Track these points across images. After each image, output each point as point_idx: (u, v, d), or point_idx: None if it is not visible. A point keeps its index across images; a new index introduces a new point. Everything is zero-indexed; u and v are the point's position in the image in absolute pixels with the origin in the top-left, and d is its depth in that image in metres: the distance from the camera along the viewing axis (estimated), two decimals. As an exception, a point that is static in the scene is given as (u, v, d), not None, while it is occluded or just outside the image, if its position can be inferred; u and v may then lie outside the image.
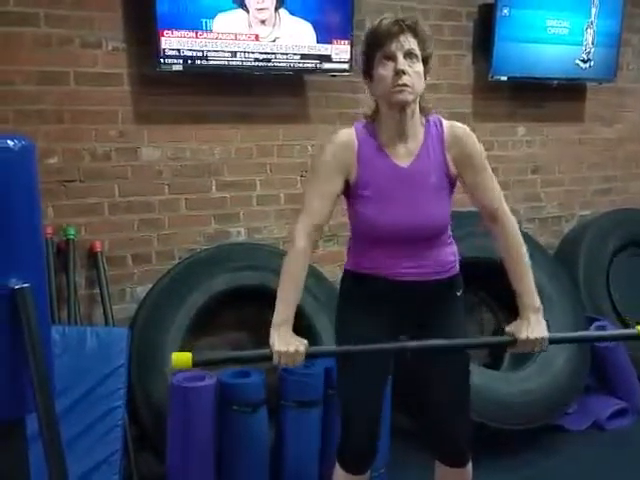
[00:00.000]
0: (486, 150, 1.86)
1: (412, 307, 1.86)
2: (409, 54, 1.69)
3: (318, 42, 2.91)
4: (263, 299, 2.96)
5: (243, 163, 2.99)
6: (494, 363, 3.20)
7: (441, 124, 1.82)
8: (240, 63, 2.78)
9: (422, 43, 1.72)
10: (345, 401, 1.95)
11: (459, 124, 1.83)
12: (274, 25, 2.80)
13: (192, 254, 2.89)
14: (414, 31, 1.71)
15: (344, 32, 2.95)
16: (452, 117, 1.90)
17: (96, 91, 2.68)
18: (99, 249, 2.70)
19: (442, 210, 1.81)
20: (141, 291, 2.80)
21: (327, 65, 2.96)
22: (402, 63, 1.68)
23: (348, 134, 1.80)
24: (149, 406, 2.59)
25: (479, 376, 2.81)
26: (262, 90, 2.97)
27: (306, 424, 2.53)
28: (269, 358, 1.69)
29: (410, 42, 1.70)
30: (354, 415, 1.92)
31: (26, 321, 1.44)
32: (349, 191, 1.82)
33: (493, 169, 1.86)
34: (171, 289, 2.74)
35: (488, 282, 3.16)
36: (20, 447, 1.58)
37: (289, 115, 3.07)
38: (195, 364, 1.65)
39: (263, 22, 2.79)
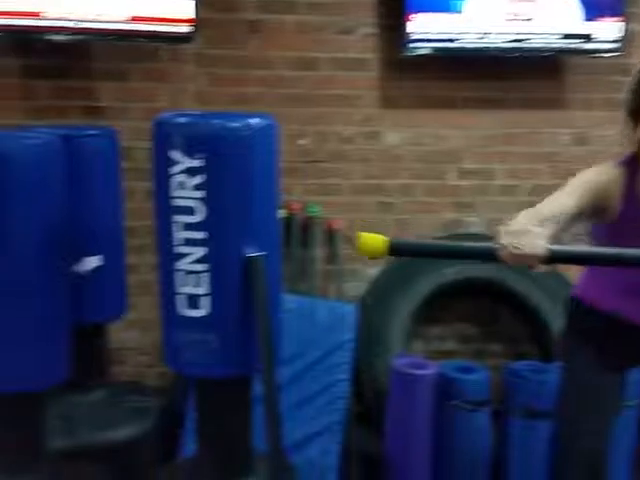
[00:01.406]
0: None
1: None
2: None
3: (584, 19, 2.64)
4: (494, 294, 2.85)
5: (486, 150, 2.87)
6: None
7: None
8: (491, 45, 2.65)
9: None
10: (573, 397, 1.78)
11: None
12: (531, 2, 2.61)
13: (425, 240, 2.86)
14: None
15: (615, 8, 2.64)
16: None
17: (346, 76, 2.78)
18: (337, 228, 2.82)
19: None
20: (372, 272, 2.86)
21: (591, 45, 2.68)
22: None
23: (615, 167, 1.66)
24: (372, 384, 2.65)
25: None
26: (514, 73, 2.80)
27: (535, 438, 2.34)
28: (492, 255, 1.27)
29: None
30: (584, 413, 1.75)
31: (257, 288, 1.55)
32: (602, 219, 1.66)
33: None
34: (400, 274, 2.76)
35: None
36: (245, 404, 1.72)
37: (542, 100, 2.86)
38: (392, 251, 1.32)
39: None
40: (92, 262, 2.14)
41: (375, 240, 1.28)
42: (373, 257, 1.30)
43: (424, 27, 2.61)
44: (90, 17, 2.34)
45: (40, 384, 1.70)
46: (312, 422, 2.40)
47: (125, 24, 2.38)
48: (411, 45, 2.63)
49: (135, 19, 2.38)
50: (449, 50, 2.66)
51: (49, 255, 1.67)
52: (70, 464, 1.96)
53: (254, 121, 1.53)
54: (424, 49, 2.64)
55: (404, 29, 2.61)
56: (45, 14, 2.30)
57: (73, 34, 2.36)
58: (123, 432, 2.16)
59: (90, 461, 2.02)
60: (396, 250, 1.31)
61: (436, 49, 2.64)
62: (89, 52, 2.65)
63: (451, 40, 2.64)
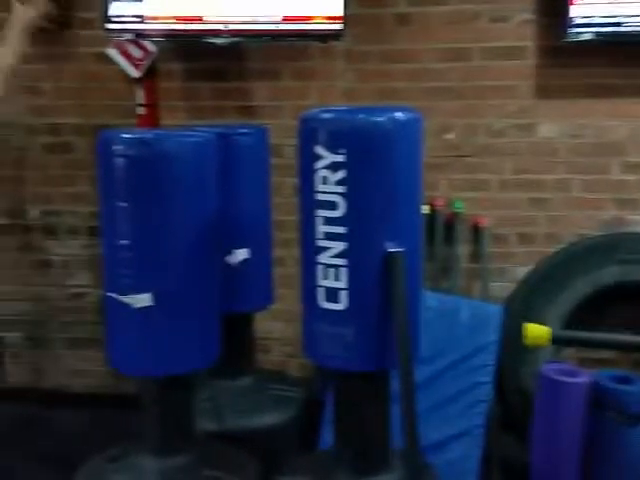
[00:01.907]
0: None
1: None
2: None
3: None
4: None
5: (654, 142, 2.62)
6: None
7: None
8: (663, 27, 2.40)
9: None
10: None
11: None
12: None
13: (581, 239, 2.67)
14: None
15: None
16: None
17: (499, 66, 2.67)
18: (484, 224, 2.72)
19: None
20: (521, 271, 2.72)
21: None
22: None
23: None
24: (517, 389, 2.53)
25: None
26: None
27: None
28: None
29: None
30: None
31: (396, 283, 1.54)
32: None
33: None
34: (552, 274, 2.60)
35: None
36: (383, 400, 1.72)
37: None
38: (554, 340, 1.47)
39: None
40: (241, 254, 2.25)
41: (539, 330, 1.50)
42: (536, 345, 1.52)
43: (586, 11, 2.43)
44: (246, 20, 2.46)
45: (193, 367, 1.81)
46: (452, 424, 2.34)
47: (277, 25, 2.46)
48: (574, 30, 2.46)
49: (287, 19, 2.46)
50: (612, 35, 2.46)
51: (205, 246, 1.78)
52: (217, 446, 2.08)
53: (398, 115, 1.52)
54: (587, 34, 2.46)
55: (567, 13, 2.45)
56: (207, 18, 2.45)
57: (231, 36, 2.49)
58: (267, 419, 2.25)
59: (235, 444, 2.13)
60: (558, 340, 1.53)
61: (600, 34, 2.45)
62: (244, 54, 2.78)
63: (617, 24, 2.43)
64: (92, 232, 3.04)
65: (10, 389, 3.16)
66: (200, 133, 1.82)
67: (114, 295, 1.72)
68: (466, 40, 2.66)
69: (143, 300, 1.69)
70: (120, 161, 1.66)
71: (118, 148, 1.65)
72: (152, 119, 2.81)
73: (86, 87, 2.94)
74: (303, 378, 2.79)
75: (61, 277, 3.12)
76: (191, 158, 1.71)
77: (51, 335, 3.17)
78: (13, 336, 3.16)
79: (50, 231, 3.08)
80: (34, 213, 3.06)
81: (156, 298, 1.70)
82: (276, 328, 2.92)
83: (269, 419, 2.27)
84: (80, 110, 2.97)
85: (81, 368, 3.20)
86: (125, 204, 1.68)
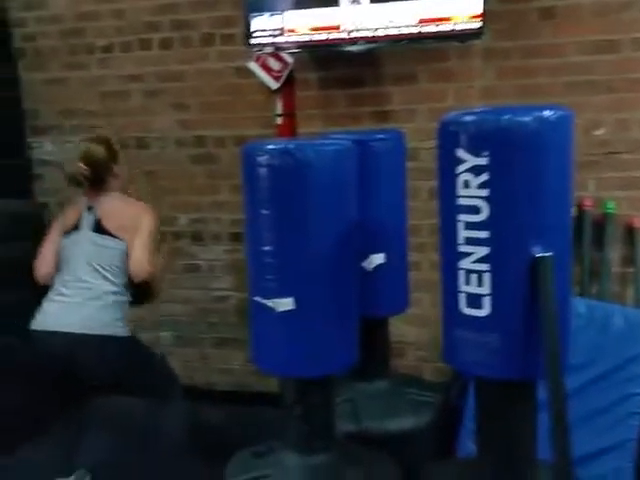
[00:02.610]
0: None
1: None
2: None
3: None
4: None
5: None
6: None
7: None
8: None
9: None
10: None
11: None
12: None
13: None
14: None
15: None
16: None
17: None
18: (638, 226, 2.53)
19: None
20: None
21: None
22: None
23: None
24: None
25: None
26: None
27: None
28: None
29: None
30: None
31: (544, 289, 1.47)
32: None
33: None
34: None
35: None
36: (529, 409, 1.64)
37: None
38: None
39: None
40: (377, 259, 2.26)
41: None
42: None
43: None
44: (381, 25, 2.47)
45: (336, 368, 1.85)
46: (603, 436, 2.20)
47: (414, 28, 2.45)
48: None
49: (424, 21, 2.43)
50: None
51: (344, 252, 1.80)
52: (357, 447, 2.10)
53: (546, 113, 1.45)
54: None
55: None
56: (343, 27, 2.49)
57: (367, 43, 2.51)
58: (404, 423, 2.24)
59: (372, 447, 2.14)
60: None
61: None
62: (379, 59, 2.80)
63: None
64: (234, 238, 3.21)
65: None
66: (339, 141, 1.85)
67: (258, 299, 1.80)
68: (616, 31, 2.50)
69: (285, 304, 1.75)
70: (264, 171, 1.72)
71: (262, 158, 1.72)
72: (290, 128, 2.91)
73: (228, 100, 3.10)
74: (439, 383, 2.75)
75: (207, 281, 3.31)
76: (332, 166, 1.75)
77: (199, 335, 3.38)
78: (166, 335, 3.39)
79: (197, 237, 3.28)
80: (183, 220, 3.27)
81: (298, 302, 1.75)
82: (410, 332, 2.90)
83: (406, 423, 2.25)
84: (222, 122, 3.14)
85: (225, 367, 3.37)
86: (268, 212, 1.75)
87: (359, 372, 2.20)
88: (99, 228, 2.33)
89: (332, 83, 2.89)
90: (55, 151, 3.36)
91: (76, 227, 2.37)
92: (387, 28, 2.48)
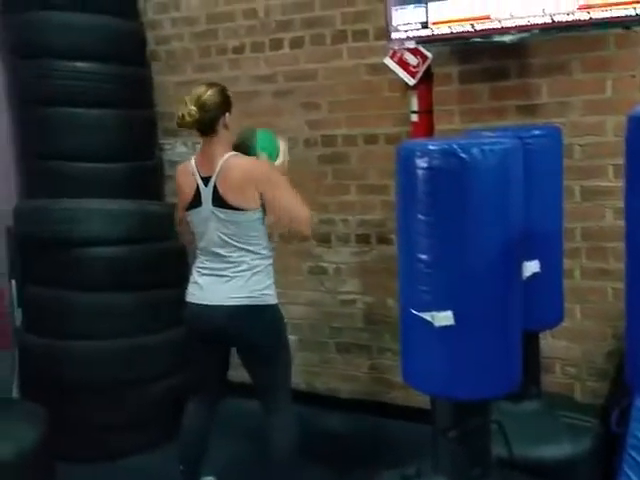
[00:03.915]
0: None
1: None
2: None
3: None
4: None
5: None
6: None
7: None
8: None
9: None
10: None
11: None
12: None
13: None
14: None
15: None
16: None
17: None
18: None
19: None
20: None
21: None
22: None
23: None
24: None
25: None
26: None
27: None
28: None
29: None
30: None
31: None
32: None
33: None
34: None
35: None
36: None
37: None
38: None
39: None
40: (532, 267, 2.06)
41: None
42: None
43: None
44: (536, 13, 2.26)
45: (499, 390, 1.69)
46: None
47: (572, 14, 2.22)
48: None
49: (583, 7, 2.20)
50: None
51: (508, 261, 1.65)
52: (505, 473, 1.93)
53: None
54: None
55: None
56: (494, 16, 2.31)
57: (519, 32, 2.32)
58: (560, 450, 2.06)
59: (523, 474, 1.96)
60: None
61: None
62: (526, 49, 2.58)
63: None
64: (362, 240, 3.10)
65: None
66: (504, 138, 1.69)
67: (413, 311, 1.66)
68: None
69: (444, 318, 1.61)
70: (423, 173, 1.59)
71: (421, 160, 1.59)
72: (426, 126, 2.76)
73: (358, 98, 3.00)
74: (593, 405, 2.50)
75: (333, 284, 3.22)
76: (499, 167, 1.59)
77: (322, 339, 3.30)
78: (290, 338, 3.33)
79: (324, 239, 3.20)
80: (311, 221, 3.19)
81: (457, 316, 1.60)
82: (559, 347, 2.66)
83: (562, 450, 2.07)
84: (352, 121, 3.04)
85: (349, 373, 3.27)
86: (426, 217, 1.61)
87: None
88: (221, 202, 2.17)
89: (474, 76, 2.71)
90: (186, 152, 3.39)
91: (197, 202, 2.24)
92: (541, 16, 2.27)
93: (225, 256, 2.21)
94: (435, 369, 1.66)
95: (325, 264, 3.23)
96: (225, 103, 2.23)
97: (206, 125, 2.19)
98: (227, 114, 2.22)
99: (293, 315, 3.30)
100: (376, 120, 2.97)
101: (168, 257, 3.09)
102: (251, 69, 3.19)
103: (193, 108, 2.15)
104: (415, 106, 2.77)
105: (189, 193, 2.25)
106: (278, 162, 2.36)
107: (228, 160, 2.19)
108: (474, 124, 2.65)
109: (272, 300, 2.25)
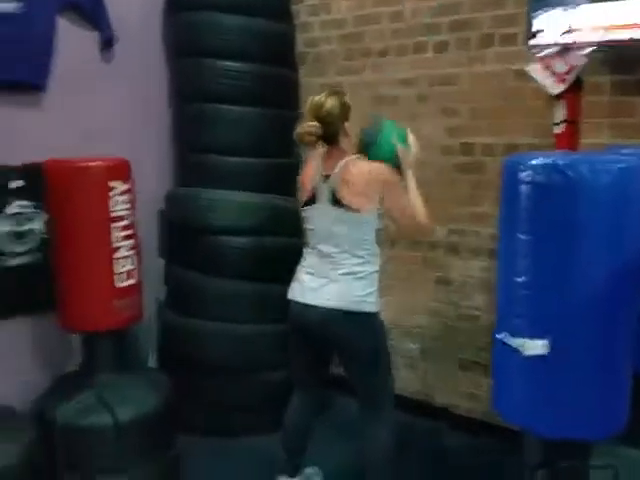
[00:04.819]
0: None
1: None
2: None
3: None
4: None
5: None
6: None
7: None
8: None
9: None
10: None
11: None
12: None
13: None
14: None
15: None
16: None
17: None
18: None
19: None
20: None
21: None
22: None
23: None
24: None
25: None
26: None
27: None
28: None
29: None
30: None
31: None
32: None
33: None
34: None
35: None
36: None
37: None
38: None
39: None
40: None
41: None
42: None
43: None
44: None
45: (595, 433, 1.52)
46: None
47: None
48: None
49: None
50: None
51: (619, 290, 1.47)
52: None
53: None
54: None
55: None
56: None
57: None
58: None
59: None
60: None
61: None
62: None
63: None
64: (492, 254, 2.95)
65: (402, 397, 3.30)
66: (626, 157, 1.51)
67: (503, 335, 1.56)
68: None
69: (536, 347, 1.48)
70: (526, 188, 1.48)
71: (525, 174, 1.47)
72: (571, 138, 2.54)
73: (502, 106, 2.85)
74: None
75: (458, 296, 3.11)
76: (612, 187, 1.42)
77: (444, 352, 3.20)
78: (413, 347, 3.28)
79: (453, 249, 3.09)
80: (441, 231, 3.11)
81: (553, 346, 1.47)
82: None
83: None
84: (494, 129, 2.90)
85: (469, 391, 3.14)
86: (527, 236, 1.50)
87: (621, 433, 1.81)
88: (337, 201, 2.18)
89: (629, 88, 2.45)
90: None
91: (313, 199, 2.27)
92: None
93: (331, 256, 2.22)
94: (521, 400, 1.54)
95: (452, 275, 3.12)
96: (345, 112, 2.23)
97: (327, 139, 2.23)
98: (347, 123, 2.23)
99: (415, 323, 3.25)
100: (518, 129, 2.80)
101: (294, 251, 3.17)
102: (393, 72, 3.17)
103: (314, 124, 2.18)
104: (560, 117, 2.57)
105: (308, 190, 2.30)
106: (411, 152, 2.33)
107: (349, 162, 2.22)
108: (625, 140, 2.40)
109: (372, 308, 2.22)
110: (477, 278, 3.02)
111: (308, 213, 2.32)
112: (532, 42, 2.41)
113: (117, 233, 2.53)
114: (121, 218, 2.55)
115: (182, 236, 3.23)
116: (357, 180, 2.18)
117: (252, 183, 3.16)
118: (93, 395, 2.53)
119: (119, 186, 2.54)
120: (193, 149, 3.24)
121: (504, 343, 1.56)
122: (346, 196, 2.18)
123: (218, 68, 3.09)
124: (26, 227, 2.87)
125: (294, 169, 3.46)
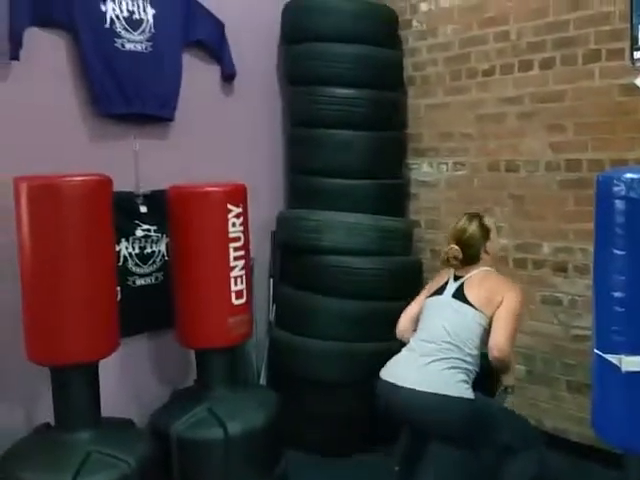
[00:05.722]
0: None
1: None
2: None
3: None
4: None
5: None
6: None
7: None
8: None
9: None
10: None
11: None
12: None
13: None
14: None
15: None
16: None
17: None
18: None
19: None
20: None
21: None
22: None
23: None
24: None
25: None
26: None
27: None
28: None
29: None
30: None
31: None
32: None
33: None
34: None
35: None
36: None
37: None
38: None
39: None
40: None
41: None
42: None
43: None
44: None
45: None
46: None
47: None
48: None
49: None
50: None
51: None
52: None
53: None
54: None
55: None
56: None
57: None
58: None
59: None
60: None
61: None
62: None
63: None
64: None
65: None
66: None
67: (601, 353, 1.55)
68: None
69: (634, 363, 1.46)
70: (620, 203, 1.48)
71: (618, 189, 1.47)
72: (683, 153, 2.45)
73: (608, 121, 2.79)
74: None
75: (567, 316, 3.03)
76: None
77: (553, 374, 3.11)
78: (520, 369, 3.21)
79: (560, 268, 3.03)
80: (547, 248, 3.06)
81: (651, 363, 1.45)
82: None
83: None
84: (600, 145, 2.84)
85: (579, 415, 3.03)
86: (623, 252, 1.49)
87: None
88: (461, 296, 2.34)
89: None
90: (431, 172, 3.52)
91: (440, 291, 2.42)
92: None
93: (436, 345, 2.29)
94: (621, 419, 1.52)
95: (560, 295, 3.05)
96: (486, 233, 2.42)
97: (468, 260, 2.40)
98: (488, 242, 2.41)
99: (522, 344, 3.19)
100: (626, 144, 2.73)
101: (402, 271, 3.24)
102: (499, 91, 3.18)
103: (456, 248, 2.38)
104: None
105: (438, 285, 2.46)
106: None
107: (483, 270, 2.41)
108: None
109: (468, 394, 2.24)
110: (585, 296, 2.93)
111: (430, 302, 2.44)
112: (637, 55, 2.36)
113: (233, 253, 2.66)
114: (236, 239, 2.68)
115: (291, 256, 3.36)
116: (487, 284, 2.35)
117: (359, 203, 3.25)
118: (206, 409, 2.60)
119: (235, 209, 2.67)
120: (303, 172, 3.38)
121: (602, 360, 1.55)
122: (471, 294, 2.34)
123: (330, 95, 3.22)
124: (151, 249, 3.02)
125: (401, 189, 3.55)
